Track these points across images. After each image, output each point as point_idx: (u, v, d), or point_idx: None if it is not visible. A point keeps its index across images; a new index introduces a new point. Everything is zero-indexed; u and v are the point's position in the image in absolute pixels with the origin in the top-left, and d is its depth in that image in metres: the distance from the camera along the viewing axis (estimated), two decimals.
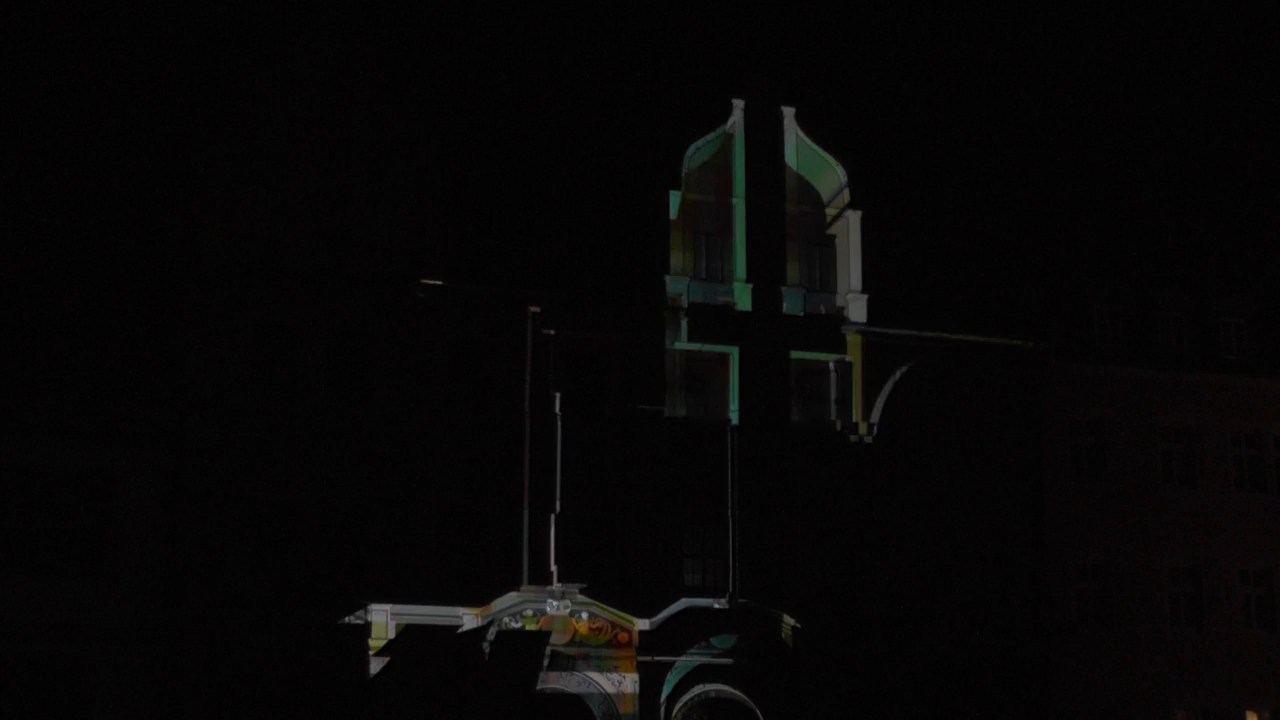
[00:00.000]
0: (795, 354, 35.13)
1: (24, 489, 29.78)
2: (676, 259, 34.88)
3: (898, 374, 35.37)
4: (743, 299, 35.09)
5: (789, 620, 32.52)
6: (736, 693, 32.54)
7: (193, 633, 29.86)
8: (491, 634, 30.68)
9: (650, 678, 31.79)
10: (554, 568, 32.22)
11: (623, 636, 31.73)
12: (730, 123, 36.00)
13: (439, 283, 32.66)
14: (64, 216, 31.60)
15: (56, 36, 34.35)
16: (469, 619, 30.62)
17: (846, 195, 36.26)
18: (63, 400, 30.10)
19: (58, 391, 30.16)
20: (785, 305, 35.33)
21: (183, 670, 29.86)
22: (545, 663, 30.85)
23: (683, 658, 32.07)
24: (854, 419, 35.16)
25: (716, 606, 32.38)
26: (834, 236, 36.28)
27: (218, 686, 29.92)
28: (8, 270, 30.71)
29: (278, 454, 31.27)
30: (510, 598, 31.16)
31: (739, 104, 36.07)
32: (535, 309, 33.28)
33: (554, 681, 31.20)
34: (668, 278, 34.61)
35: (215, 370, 31.20)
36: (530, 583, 31.78)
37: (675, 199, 35.05)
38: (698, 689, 32.33)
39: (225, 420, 31.05)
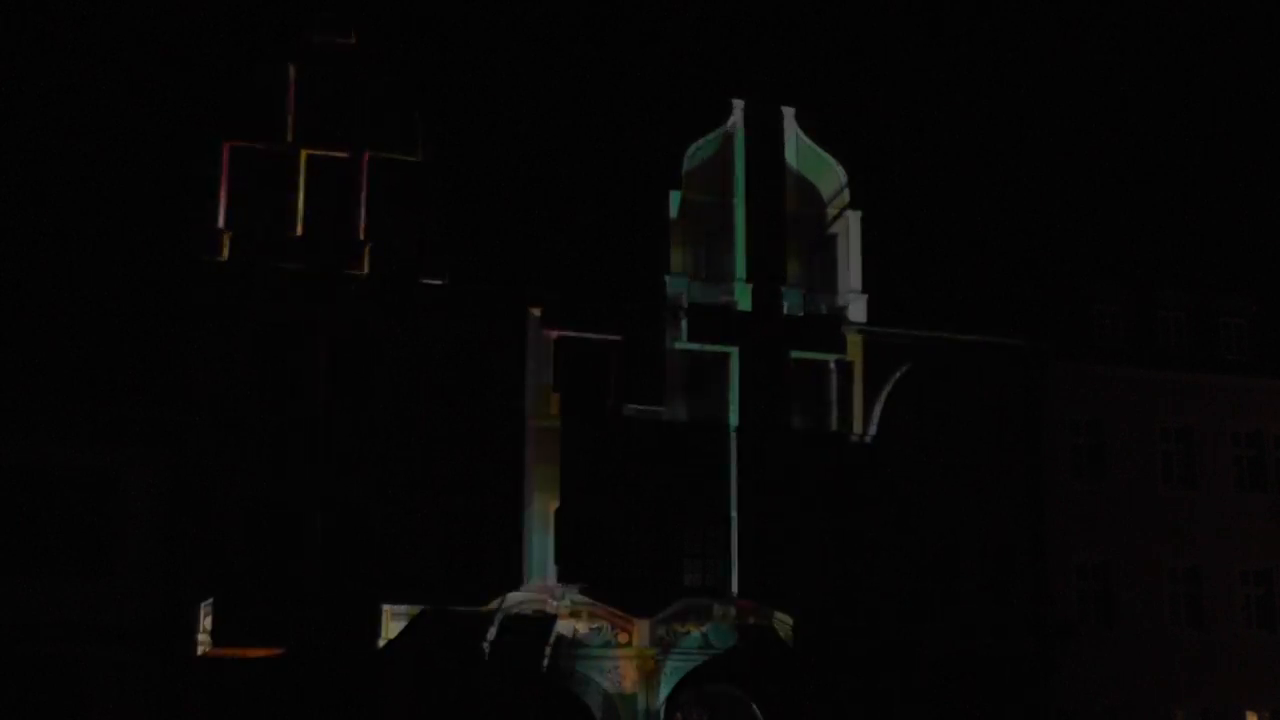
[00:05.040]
0: (795, 354, 35.14)
1: (24, 489, 29.78)
2: (676, 259, 34.89)
3: (897, 374, 35.38)
4: (743, 299, 35.09)
5: (787, 619, 32.53)
6: (736, 692, 32.56)
7: (193, 633, 29.85)
8: (492, 634, 30.68)
9: (650, 677, 31.80)
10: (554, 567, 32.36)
11: (622, 637, 31.73)
12: (730, 123, 36.01)
13: (439, 283, 32.67)
14: (65, 216, 31.59)
15: (58, 36, 34.34)
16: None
17: (846, 195, 36.28)
18: (63, 400, 30.10)
19: (58, 391, 30.15)
20: (785, 305, 35.33)
21: (183, 670, 29.85)
22: (549, 651, 30.87)
23: (682, 657, 32.07)
24: (853, 419, 35.15)
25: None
26: (834, 236, 36.30)
27: (218, 686, 29.91)
28: (8, 270, 30.70)
29: (278, 454, 31.27)
30: (512, 597, 31.16)
31: (739, 104, 36.08)
32: (536, 309, 33.30)
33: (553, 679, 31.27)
34: (668, 278, 34.62)
35: (215, 370, 31.20)
36: (531, 582, 31.82)
37: (675, 199, 35.06)
38: (697, 688, 32.34)
39: (225, 420, 31.05)
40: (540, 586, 31.66)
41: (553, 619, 31.03)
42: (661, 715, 31.86)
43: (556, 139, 36.07)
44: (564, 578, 32.16)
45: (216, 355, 31.27)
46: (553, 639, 31.02)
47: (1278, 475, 38.52)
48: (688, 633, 32.08)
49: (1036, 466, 36.28)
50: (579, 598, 31.55)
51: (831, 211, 36.37)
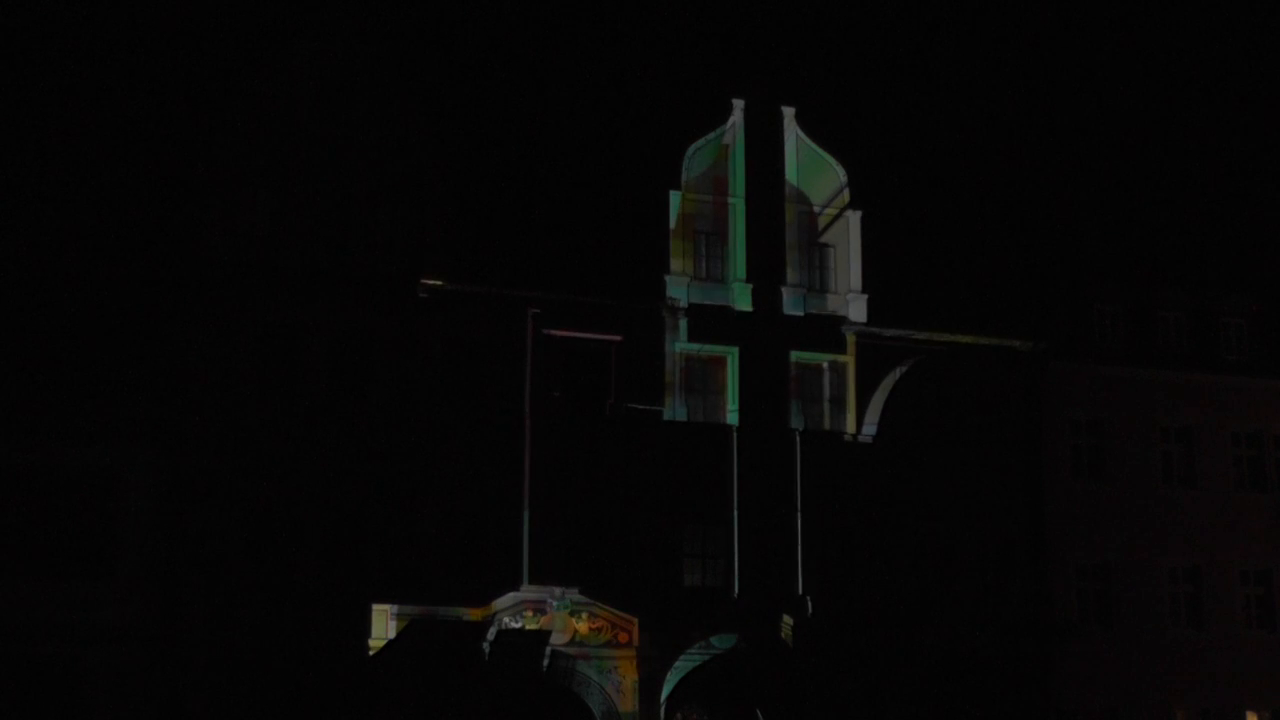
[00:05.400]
0: (795, 354, 35.14)
1: (24, 489, 29.78)
2: (676, 260, 34.88)
3: (897, 374, 35.38)
4: (742, 299, 35.10)
5: (788, 619, 32.53)
6: (736, 692, 32.55)
7: (193, 633, 29.85)
8: (491, 634, 30.69)
9: (650, 678, 31.80)
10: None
11: (622, 637, 31.72)
12: (730, 123, 36.01)
13: (439, 283, 32.67)
14: (64, 216, 31.59)
15: (57, 36, 34.36)
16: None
17: (846, 195, 36.29)
18: (63, 400, 30.10)
19: (58, 391, 30.16)
20: (785, 305, 35.33)
21: (183, 670, 29.86)
22: (545, 662, 30.87)
23: (682, 658, 32.07)
24: (853, 419, 35.15)
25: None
26: (833, 237, 36.29)
27: (218, 686, 29.92)
28: (8, 270, 30.70)
29: (278, 454, 31.27)
30: (510, 597, 31.16)
31: (739, 104, 36.08)
32: (535, 310, 33.30)
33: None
34: (668, 278, 34.62)
35: (215, 370, 31.21)
36: (530, 583, 31.82)
37: (675, 199, 35.07)
38: (697, 688, 32.33)
39: (225, 420, 31.05)
40: (540, 587, 31.64)
41: (548, 634, 31.05)
42: (661, 715, 31.86)
43: (556, 139, 36.09)
44: (563, 578, 32.14)
45: (216, 355, 31.27)
46: (551, 640, 31.02)
47: (1278, 475, 38.52)
48: (688, 633, 32.08)
49: (1036, 466, 36.28)
50: (579, 598, 31.55)
51: (830, 212, 36.37)
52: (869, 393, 35.35)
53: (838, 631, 33.26)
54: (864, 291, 35.72)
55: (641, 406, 33.73)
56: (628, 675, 31.69)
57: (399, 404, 32.25)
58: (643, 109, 37.24)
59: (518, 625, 31.00)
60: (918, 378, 35.58)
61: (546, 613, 31.30)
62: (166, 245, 31.78)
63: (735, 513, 33.86)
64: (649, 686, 31.73)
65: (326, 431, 31.71)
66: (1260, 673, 37.04)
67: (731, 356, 34.78)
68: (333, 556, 31.37)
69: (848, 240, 36.13)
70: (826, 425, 35.22)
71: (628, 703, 31.60)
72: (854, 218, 36.17)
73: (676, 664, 32.02)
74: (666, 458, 33.63)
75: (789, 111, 36.44)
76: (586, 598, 31.61)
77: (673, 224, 34.98)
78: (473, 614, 30.73)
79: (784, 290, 35.39)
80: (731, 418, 34.50)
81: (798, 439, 34.61)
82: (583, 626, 31.52)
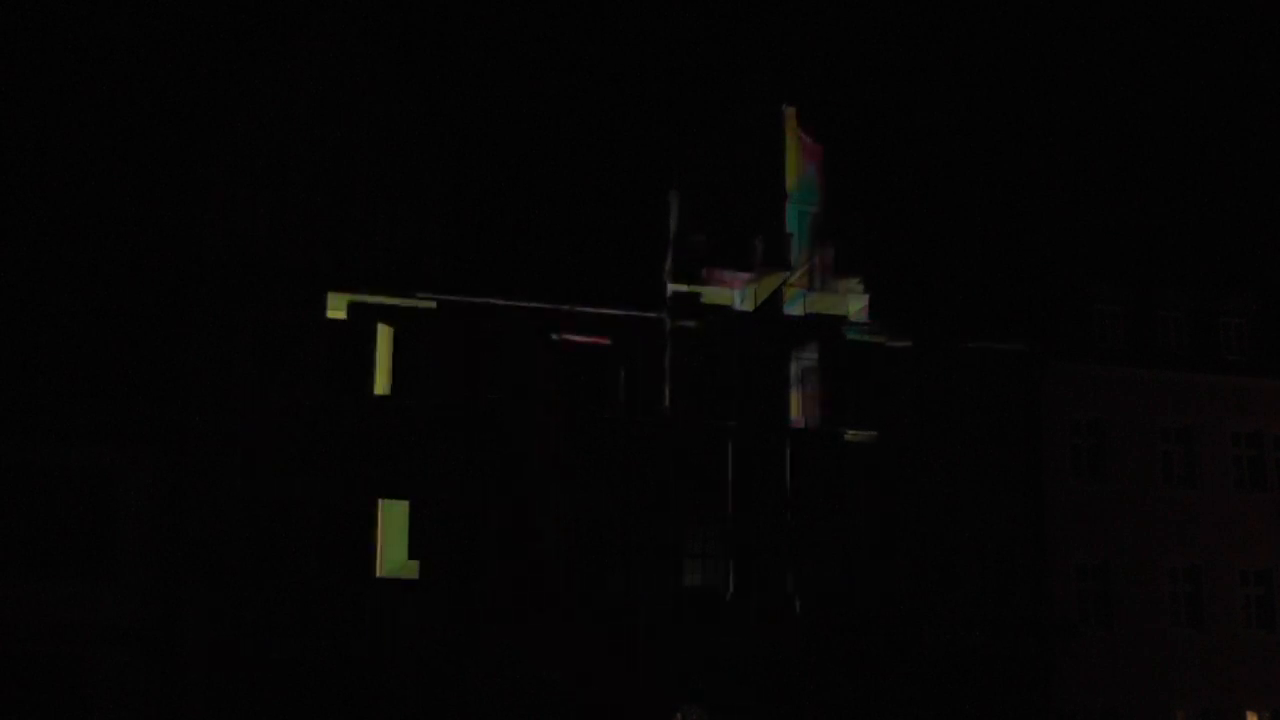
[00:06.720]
0: (795, 354, 35.13)
1: (24, 489, 29.78)
2: (676, 260, 34.84)
3: (897, 374, 35.37)
4: (743, 299, 35.06)
5: (789, 617, 32.56)
6: (737, 692, 32.57)
7: (193, 633, 29.84)
8: None
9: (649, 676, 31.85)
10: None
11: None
12: (730, 123, 35.96)
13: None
14: (64, 216, 31.59)
15: (57, 36, 34.35)
16: None
17: (847, 196, 36.27)
18: (62, 400, 30.10)
19: (57, 391, 30.16)
20: (785, 305, 35.30)
21: (183, 670, 29.86)
22: None
23: (683, 657, 32.12)
24: (853, 419, 35.15)
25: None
26: (833, 236, 36.26)
27: (218, 686, 29.91)
28: (7, 270, 30.70)
29: (277, 454, 31.25)
30: None
31: (739, 104, 36.04)
32: (535, 312, 33.28)
33: None
34: (667, 278, 34.58)
35: (215, 370, 31.20)
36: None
37: (675, 199, 35.03)
38: (698, 688, 32.37)
39: (225, 420, 31.04)
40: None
41: None
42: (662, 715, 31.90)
43: (556, 138, 36.07)
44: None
45: (216, 355, 31.26)
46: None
47: (1278, 475, 38.54)
48: (687, 632, 32.13)
49: (1036, 466, 36.29)
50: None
51: (831, 212, 36.37)
52: (868, 393, 35.31)
53: (838, 631, 33.27)
54: (864, 292, 35.66)
55: (641, 406, 33.69)
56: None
57: (397, 403, 32.22)
58: (643, 109, 37.20)
59: None
60: (918, 378, 35.60)
61: None
62: (166, 245, 31.77)
63: (734, 512, 33.83)
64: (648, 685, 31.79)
65: (325, 431, 31.68)
66: (1260, 673, 37.05)
67: (731, 356, 34.68)
68: (332, 557, 31.32)
69: (848, 240, 36.07)
70: (826, 425, 35.17)
71: None
72: (854, 218, 36.07)
73: (676, 663, 32.04)
74: (666, 458, 33.58)
75: (789, 111, 36.39)
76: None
77: (673, 225, 34.96)
78: None
79: (784, 290, 35.35)
80: (732, 417, 34.46)
81: (798, 439, 34.56)
82: None
